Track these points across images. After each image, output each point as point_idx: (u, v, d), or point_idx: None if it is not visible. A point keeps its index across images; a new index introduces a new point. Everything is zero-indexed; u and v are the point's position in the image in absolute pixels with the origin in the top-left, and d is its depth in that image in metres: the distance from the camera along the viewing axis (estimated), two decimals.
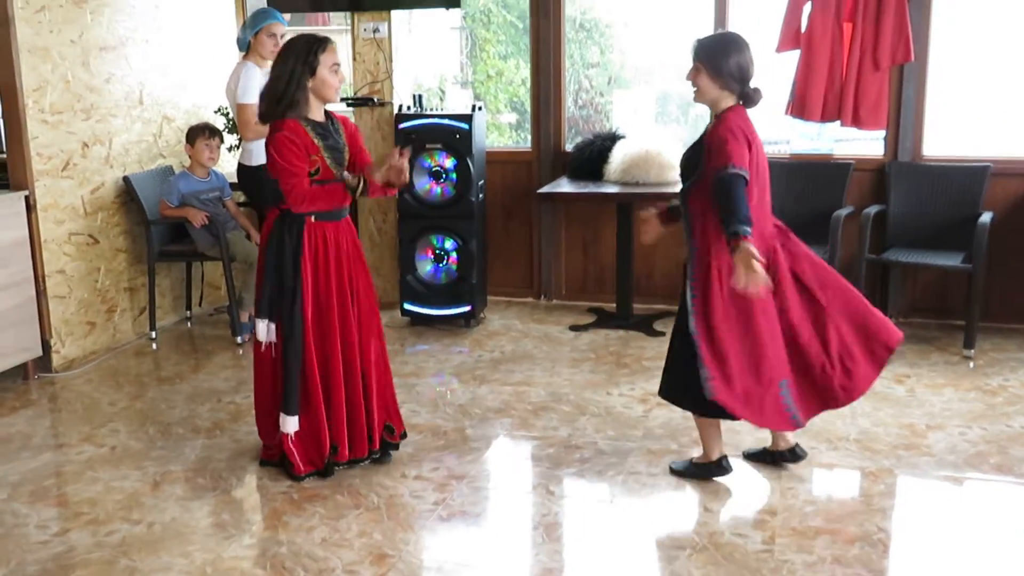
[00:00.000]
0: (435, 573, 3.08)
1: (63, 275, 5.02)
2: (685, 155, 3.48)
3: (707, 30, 5.60)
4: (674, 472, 3.69)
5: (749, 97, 3.33)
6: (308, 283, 3.59)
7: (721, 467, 3.61)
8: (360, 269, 3.74)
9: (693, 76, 3.34)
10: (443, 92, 10.15)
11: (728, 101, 3.33)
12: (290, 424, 3.65)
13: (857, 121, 5.37)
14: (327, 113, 3.65)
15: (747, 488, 3.60)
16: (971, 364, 4.87)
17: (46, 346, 4.93)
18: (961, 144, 5.76)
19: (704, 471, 3.63)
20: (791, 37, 5.37)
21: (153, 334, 5.53)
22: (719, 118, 3.33)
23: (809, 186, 5.44)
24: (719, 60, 3.27)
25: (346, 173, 3.62)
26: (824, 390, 3.41)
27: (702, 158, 3.32)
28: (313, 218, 3.58)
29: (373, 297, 3.79)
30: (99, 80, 5.21)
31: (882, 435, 4.01)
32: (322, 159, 3.54)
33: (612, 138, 5.76)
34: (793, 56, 5.40)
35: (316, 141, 3.53)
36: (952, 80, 5.83)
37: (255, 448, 3.98)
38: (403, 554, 3.16)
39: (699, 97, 3.37)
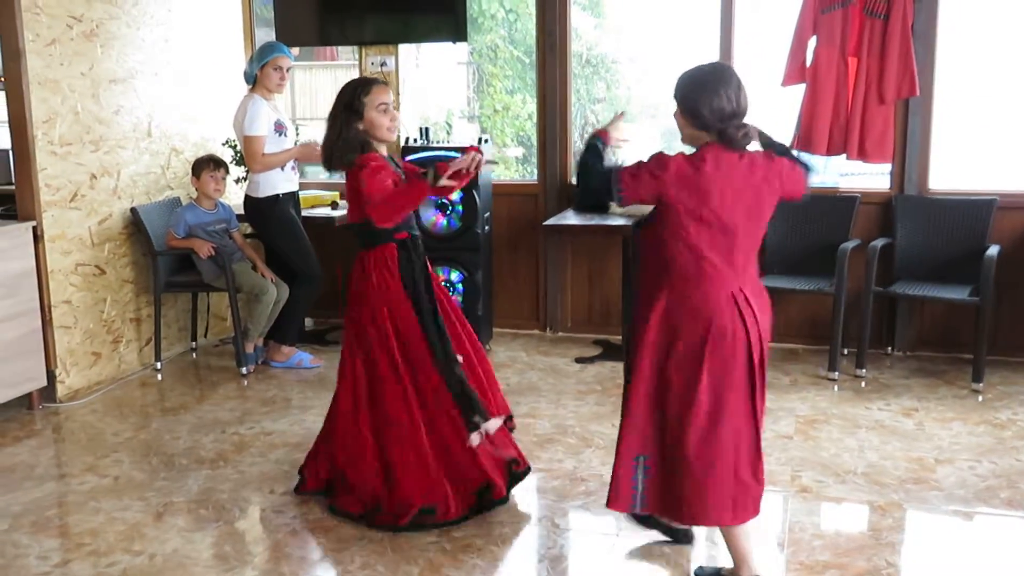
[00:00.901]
0: None
1: (69, 305, 5.03)
2: None
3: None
4: None
5: (728, 137, 2.85)
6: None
7: None
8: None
9: (675, 114, 2.98)
10: (450, 126, 10.22)
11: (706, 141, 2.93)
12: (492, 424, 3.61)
13: (863, 154, 5.38)
14: (390, 157, 3.68)
15: (754, 521, 3.55)
16: (980, 398, 4.84)
17: (51, 376, 4.92)
18: (967, 178, 5.78)
19: None
20: (796, 71, 5.40)
21: (158, 365, 5.53)
22: None
23: (815, 219, 5.44)
24: (690, 97, 2.89)
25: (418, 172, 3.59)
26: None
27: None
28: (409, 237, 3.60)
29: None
30: (108, 112, 5.25)
31: (890, 468, 3.98)
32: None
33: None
34: (799, 90, 5.43)
35: (396, 170, 3.59)
36: (958, 114, 5.85)
37: (258, 479, 3.96)
38: None
39: (682, 137, 3.00)
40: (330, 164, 3.61)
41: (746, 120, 2.88)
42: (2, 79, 4.83)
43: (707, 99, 2.85)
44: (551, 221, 5.61)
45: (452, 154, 5.41)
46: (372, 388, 3.58)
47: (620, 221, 5.45)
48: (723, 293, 2.86)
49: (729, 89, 2.86)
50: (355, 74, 6.15)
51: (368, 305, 3.58)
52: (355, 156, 3.50)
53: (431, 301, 3.58)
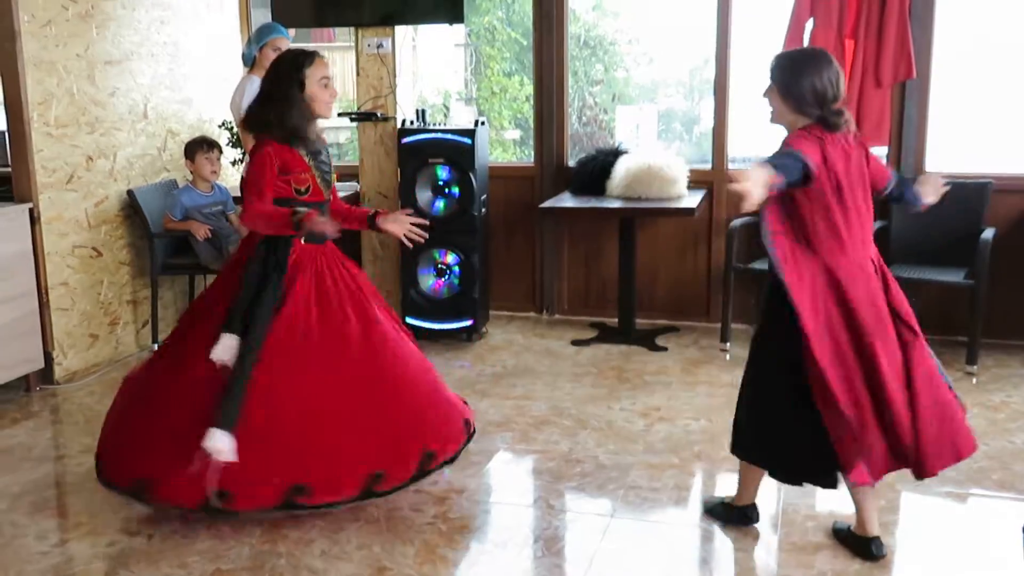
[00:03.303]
0: None
1: (66, 287, 5.04)
2: None
3: (710, 49, 5.64)
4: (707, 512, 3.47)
5: (828, 121, 2.93)
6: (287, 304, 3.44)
7: (746, 516, 3.39)
8: (371, 296, 3.67)
9: (769, 95, 3.03)
10: (447, 108, 10.21)
11: (804, 125, 2.99)
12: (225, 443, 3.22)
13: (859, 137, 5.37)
14: (319, 137, 3.61)
15: None
16: (974, 380, 4.86)
17: (48, 358, 4.94)
18: (963, 160, 5.77)
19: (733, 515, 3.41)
20: None
21: (155, 347, 5.53)
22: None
23: None
24: (791, 80, 2.93)
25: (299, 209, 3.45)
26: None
27: None
28: (303, 240, 3.49)
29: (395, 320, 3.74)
30: (104, 94, 5.24)
31: None
32: (312, 178, 3.50)
33: (615, 153, 5.77)
34: None
35: (308, 160, 3.50)
36: (954, 96, 5.85)
37: None
38: (402, 567, 3.15)
39: (774, 118, 3.06)
40: (257, 129, 3.48)
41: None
42: None
43: (810, 81, 2.90)
44: (547, 204, 5.62)
45: (449, 136, 5.46)
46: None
47: (616, 204, 5.46)
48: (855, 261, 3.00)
49: (831, 72, 2.92)
50: (352, 56, 6.13)
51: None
52: (306, 129, 3.45)
53: (272, 291, 3.41)
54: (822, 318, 2.95)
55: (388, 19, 5.86)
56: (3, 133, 5.16)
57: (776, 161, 2.81)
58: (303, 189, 3.48)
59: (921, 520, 3.52)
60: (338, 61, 9.31)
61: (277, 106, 3.43)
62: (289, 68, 3.46)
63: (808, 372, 2.95)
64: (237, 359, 3.31)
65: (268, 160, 3.42)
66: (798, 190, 2.92)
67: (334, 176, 3.67)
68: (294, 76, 3.44)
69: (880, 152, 5.52)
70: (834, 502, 3.64)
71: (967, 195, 5.24)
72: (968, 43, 5.77)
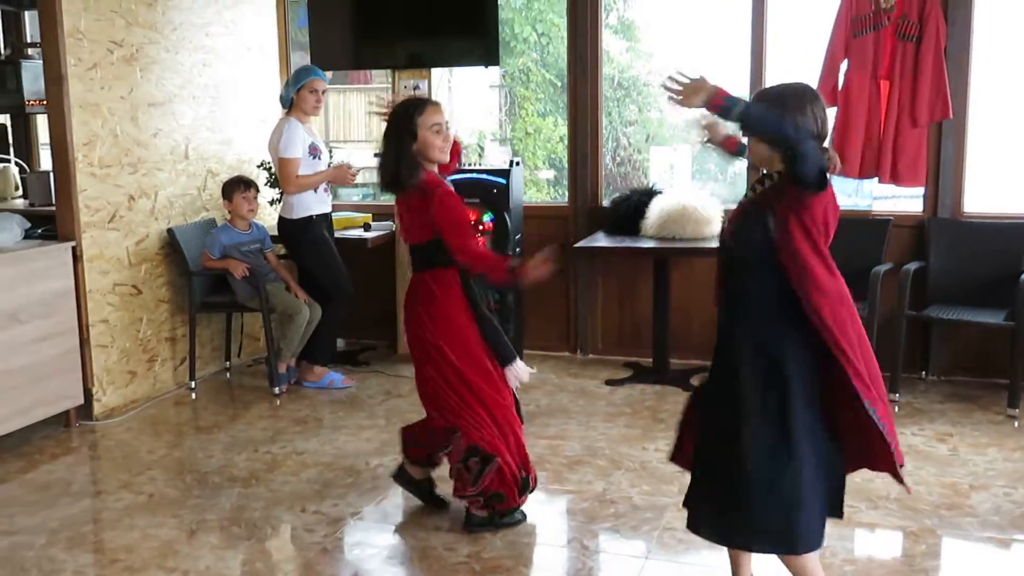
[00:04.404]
0: None
1: (106, 325, 5.11)
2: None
3: (744, 89, 5.66)
4: None
5: None
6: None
7: None
8: None
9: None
10: (482, 148, 10.28)
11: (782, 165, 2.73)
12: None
13: (895, 177, 5.36)
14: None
15: None
16: (1015, 423, 4.78)
17: (88, 394, 5.00)
18: (1002, 200, 5.72)
19: None
20: (827, 94, 5.39)
21: (193, 384, 5.59)
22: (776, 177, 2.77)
23: (847, 242, 5.38)
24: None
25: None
26: None
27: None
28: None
29: None
30: (147, 135, 5.35)
31: (924, 494, 3.94)
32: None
33: (649, 193, 5.79)
34: (830, 114, 5.40)
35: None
36: (992, 136, 5.81)
37: (290, 498, 4.00)
38: None
39: (751, 156, 2.86)
40: (391, 185, 3.59)
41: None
42: (45, 103, 4.94)
43: (792, 117, 2.66)
44: (582, 243, 5.63)
45: (484, 176, 5.50)
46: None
47: (650, 243, 5.46)
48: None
49: (816, 108, 2.72)
50: (388, 98, 6.21)
51: (438, 322, 3.62)
52: (417, 177, 3.51)
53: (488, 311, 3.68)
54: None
55: (424, 61, 5.94)
56: (48, 173, 5.28)
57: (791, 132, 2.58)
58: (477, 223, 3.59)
59: (962, 566, 3.45)
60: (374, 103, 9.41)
61: (392, 154, 3.53)
62: (400, 119, 3.55)
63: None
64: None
65: (444, 189, 3.53)
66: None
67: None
68: (405, 127, 3.52)
69: (916, 192, 5.51)
70: (874, 547, 3.59)
71: (1006, 236, 5.20)
72: (1006, 82, 5.74)
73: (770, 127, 2.63)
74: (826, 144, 2.78)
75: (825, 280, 2.71)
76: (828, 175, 2.64)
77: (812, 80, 5.41)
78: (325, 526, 3.76)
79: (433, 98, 3.66)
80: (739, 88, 5.84)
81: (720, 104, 2.60)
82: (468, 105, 10.61)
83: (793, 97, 2.71)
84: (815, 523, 2.76)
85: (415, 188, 3.51)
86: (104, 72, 5.02)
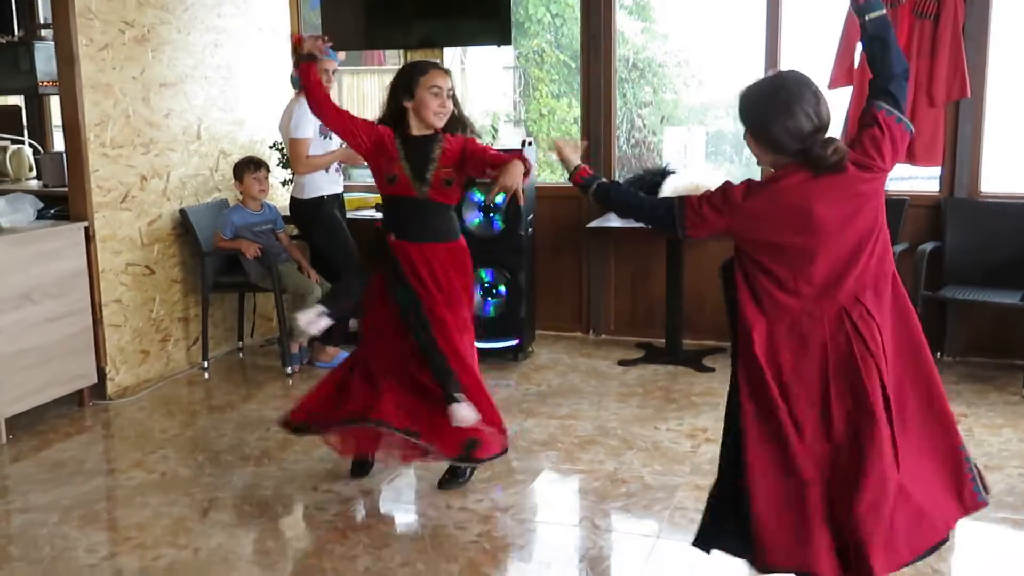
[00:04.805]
0: None
1: (119, 305, 5.13)
2: None
3: (759, 71, 5.61)
4: None
5: (815, 158, 2.51)
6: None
7: None
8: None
9: (746, 139, 2.70)
10: (495, 130, 10.25)
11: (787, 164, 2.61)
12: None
13: (912, 157, 5.31)
14: (435, 133, 3.67)
15: None
16: None
17: (101, 374, 5.02)
18: (1019, 181, 5.66)
19: None
20: (844, 74, 5.34)
21: (205, 364, 5.61)
22: None
23: None
24: (759, 123, 2.59)
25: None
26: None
27: None
28: (393, 237, 3.66)
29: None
30: (159, 115, 5.34)
31: None
32: (401, 169, 3.61)
33: (662, 173, 5.74)
34: (845, 93, 5.37)
35: (399, 150, 3.63)
36: (1010, 116, 5.75)
37: (302, 477, 4.01)
38: None
39: (759, 161, 2.79)
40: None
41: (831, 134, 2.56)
42: (56, 83, 4.94)
43: (780, 121, 2.52)
44: (594, 223, 5.61)
45: None
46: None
47: None
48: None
49: (804, 104, 2.52)
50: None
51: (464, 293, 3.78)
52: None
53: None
54: None
55: (436, 41, 5.92)
56: (62, 154, 5.29)
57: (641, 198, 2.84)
58: (390, 177, 3.63)
59: (974, 546, 3.43)
60: (387, 83, 9.39)
61: (389, 105, 3.69)
62: (403, 76, 3.67)
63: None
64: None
65: (363, 121, 3.68)
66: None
67: (432, 171, 3.63)
68: (405, 84, 3.63)
69: (933, 172, 5.45)
70: None
71: (1022, 215, 5.14)
72: None
73: (625, 213, 2.84)
74: (837, 132, 2.68)
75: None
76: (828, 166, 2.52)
77: (828, 59, 5.35)
78: (337, 504, 3.77)
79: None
80: (754, 67, 5.78)
81: (578, 182, 2.84)
82: (482, 87, 10.58)
83: (775, 104, 2.54)
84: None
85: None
86: (116, 52, 5.02)
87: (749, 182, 2.66)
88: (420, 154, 3.63)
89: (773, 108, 2.54)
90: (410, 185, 3.61)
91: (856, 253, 2.60)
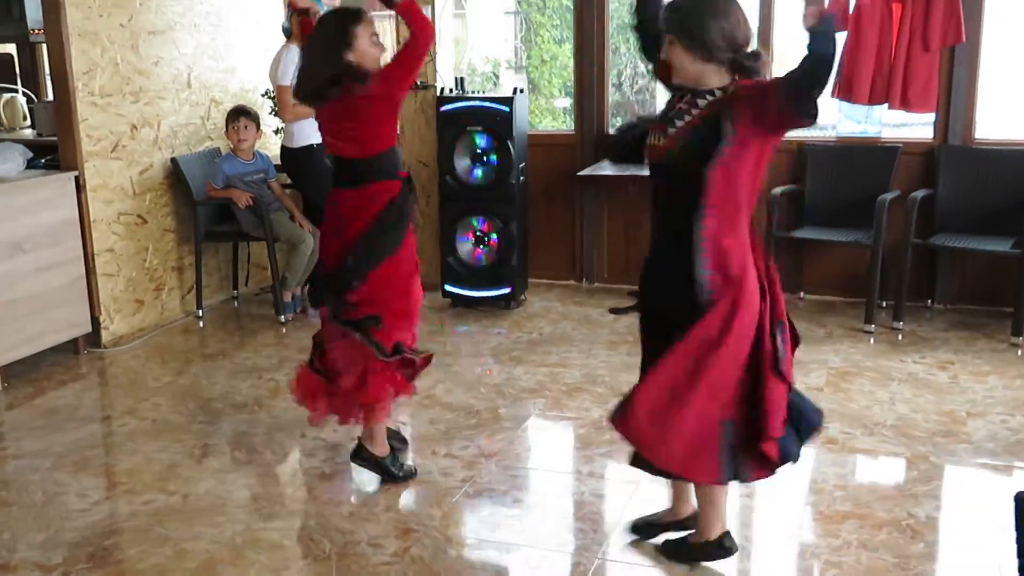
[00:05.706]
0: (459, 549, 3.11)
1: (112, 254, 5.15)
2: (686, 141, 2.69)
3: (753, 19, 5.54)
4: (665, 552, 3.03)
5: (745, 67, 2.56)
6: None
7: (723, 547, 2.94)
8: None
9: (668, 50, 2.62)
10: (496, 76, 10.17)
11: (716, 78, 2.60)
12: None
13: (906, 104, 5.26)
14: None
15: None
16: (1019, 352, 4.76)
17: (95, 322, 5.06)
18: (1014, 127, 5.62)
19: (701, 553, 2.96)
20: (839, 17, 5.27)
21: (200, 312, 5.64)
22: (719, 93, 2.61)
23: (854, 170, 5.35)
24: (696, 26, 2.54)
25: None
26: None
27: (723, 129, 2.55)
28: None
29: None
30: (148, 63, 5.32)
31: (920, 421, 3.94)
32: None
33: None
34: (840, 37, 5.29)
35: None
36: (1005, 62, 5.69)
37: (292, 424, 4.05)
38: (428, 529, 3.19)
39: (677, 76, 2.64)
40: (310, 97, 3.40)
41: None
42: (43, 31, 4.91)
43: (717, 24, 2.52)
44: (586, 171, 5.59)
45: (487, 104, 5.45)
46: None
47: None
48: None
49: (738, 11, 2.56)
50: (393, 24, 6.15)
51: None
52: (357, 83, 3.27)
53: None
54: None
55: None
56: (49, 103, 5.27)
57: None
58: None
59: (952, 491, 3.47)
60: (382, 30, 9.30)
61: (325, 63, 3.30)
62: (335, 29, 3.32)
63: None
64: None
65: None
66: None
67: None
68: (341, 37, 3.30)
69: (927, 119, 5.41)
70: (866, 473, 3.61)
71: (1017, 163, 5.12)
72: (1022, 6, 5.59)
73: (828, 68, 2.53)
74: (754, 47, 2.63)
75: None
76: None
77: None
78: (325, 451, 3.81)
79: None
80: (752, 16, 5.72)
81: (827, 14, 2.53)
82: (483, 32, 10.47)
83: (713, 6, 2.55)
84: None
85: (358, 93, 3.28)
86: (102, 0, 4.98)
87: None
88: None
89: (712, 10, 2.55)
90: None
91: None
